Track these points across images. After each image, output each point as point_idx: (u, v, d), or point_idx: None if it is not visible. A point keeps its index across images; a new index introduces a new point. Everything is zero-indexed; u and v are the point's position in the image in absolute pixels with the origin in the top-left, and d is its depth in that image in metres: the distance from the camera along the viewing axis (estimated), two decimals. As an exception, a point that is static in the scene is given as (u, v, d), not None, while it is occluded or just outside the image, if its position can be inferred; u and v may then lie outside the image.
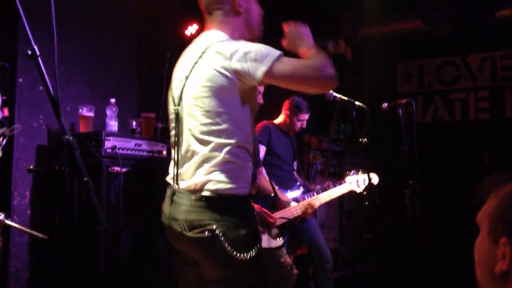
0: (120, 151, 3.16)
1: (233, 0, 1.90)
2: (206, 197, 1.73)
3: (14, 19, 3.11)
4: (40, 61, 1.22)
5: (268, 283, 1.84)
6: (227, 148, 1.75)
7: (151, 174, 3.25)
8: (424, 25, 5.09)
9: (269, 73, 1.71)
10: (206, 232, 1.70)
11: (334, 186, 3.43)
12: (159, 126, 3.58)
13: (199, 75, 1.77)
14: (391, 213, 5.00)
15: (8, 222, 2.32)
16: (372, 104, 3.60)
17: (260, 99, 3.12)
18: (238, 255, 1.70)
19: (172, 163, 1.90)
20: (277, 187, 3.29)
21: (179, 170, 1.83)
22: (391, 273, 5.21)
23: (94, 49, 3.71)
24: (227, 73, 1.73)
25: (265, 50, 1.75)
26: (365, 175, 3.37)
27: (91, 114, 3.34)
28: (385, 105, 3.70)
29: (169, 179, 1.90)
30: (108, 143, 3.12)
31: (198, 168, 1.76)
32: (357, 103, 3.27)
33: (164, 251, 3.30)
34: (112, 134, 3.21)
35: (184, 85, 1.82)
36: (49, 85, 1.24)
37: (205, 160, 1.75)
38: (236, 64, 1.72)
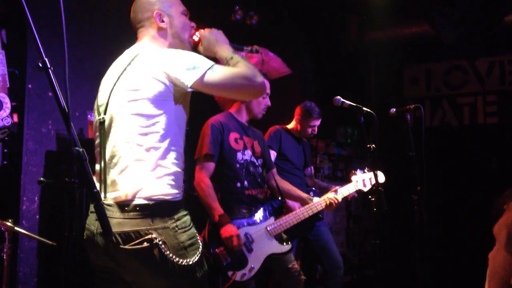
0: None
1: (151, 17, 1.92)
2: (140, 205, 1.65)
3: (23, 26, 3.14)
4: (51, 73, 1.23)
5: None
6: (157, 152, 1.70)
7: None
8: (432, 30, 5.07)
9: (199, 81, 1.73)
10: (145, 242, 1.62)
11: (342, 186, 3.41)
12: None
13: (129, 80, 1.76)
14: (399, 219, 4.98)
15: (17, 228, 2.34)
16: (378, 108, 3.59)
17: (267, 101, 3.11)
18: (181, 261, 1.65)
19: (96, 176, 1.80)
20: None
21: (106, 181, 1.73)
22: (398, 279, 5.19)
23: (103, 54, 3.73)
24: (159, 78, 1.72)
25: (198, 59, 1.77)
26: (371, 174, 3.34)
27: (99, 119, 3.35)
28: (393, 110, 3.69)
29: None
30: (116, 149, 3.13)
31: (127, 176, 1.69)
32: (364, 109, 3.27)
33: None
34: (120, 139, 3.22)
35: (110, 93, 1.79)
36: (59, 97, 1.24)
37: (134, 166, 1.69)
38: (167, 70, 1.72)
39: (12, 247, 2.38)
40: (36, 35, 1.23)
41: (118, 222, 1.65)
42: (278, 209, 2.98)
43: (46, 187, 3.22)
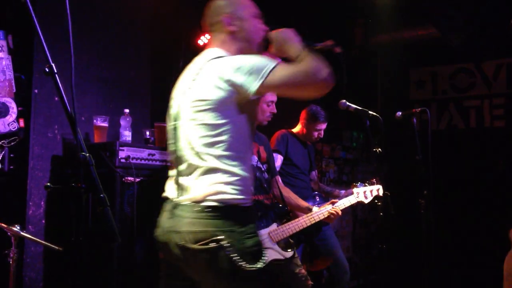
0: (134, 161, 3.17)
1: (221, 21, 1.91)
2: (211, 206, 1.71)
3: (30, 32, 3.15)
4: (58, 78, 1.23)
5: None
6: (227, 161, 1.75)
7: (164, 183, 3.25)
8: (438, 33, 5.05)
9: (261, 86, 1.72)
10: (213, 243, 1.67)
11: (343, 195, 3.44)
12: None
13: (197, 90, 1.79)
14: (405, 223, 4.95)
15: (23, 233, 2.34)
16: (384, 111, 3.58)
17: (273, 109, 3.12)
18: (245, 266, 1.67)
19: (171, 179, 1.90)
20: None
21: (180, 185, 1.82)
22: (404, 283, 5.15)
23: (108, 59, 3.74)
24: (224, 86, 1.73)
25: (260, 63, 1.74)
26: (373, 187, 3.38)
27: (105, 124, 3.36)
28: (399, 113, 3.68)
29: (168, 194, 1.90)
30: (122, 153, 3.13)
31: (200, 181, 1.75)
32: (370, 112, 3.26)
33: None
34: (126, 144, 3.23)
35: (182, 101, 1.85)
36: (66, 102, 1.24)
37: (206, 173, 1.75)
38: (231, 77, 1.73)
39: (18, 252, 2.37)
40: (43, 40, 1.23)
41: (189, 222, 1.72)
42: (281, 216, 2.98)
43: (52, 192, 3.22)
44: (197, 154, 1.76)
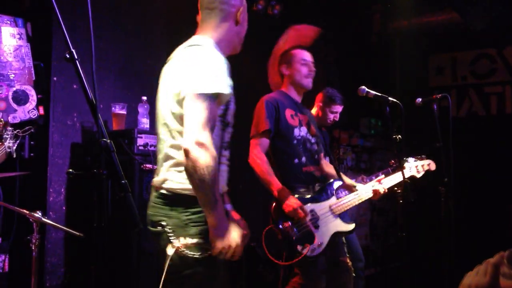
0: (152, 148, 3.18)
1: (237, 8, 1.92)
2: (162, 194, 1.79)
3: (48, 19, 3.16)
4: (78, 64, 1.23)
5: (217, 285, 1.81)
6: (181, 151, 1.72)
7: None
8: (460, 18, 4.94)
9: (190, 95, 1.68)
10: (159, 227, 1.78)
11: (385, 175, 3.28)
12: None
13: (168, 77, 1.84)
14: (425, 211, 4.90)
15: (45, 220, 2.37)
16: (403, 98, 3.52)
17: (311, 67, 3.02)
18: (185, 252, 1.73)
19: None
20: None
21: (156, 170, 1.91)
22: (422, 272, 5.12)
23: (126, 47, 3.75)
24: (183, 79, 1.74)
25: (214, 78, 1.69)
26: (424, 161, 3.24)
27: (123, 111, 3.37)
28: (419, 100, 3.61)
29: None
30: (140, 141, 3.14)
31: (162, 167, 1.83)
32: (390, 98, 3.20)
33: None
34: (144, 131, 3.24)
35: (162, 89, 1.89)
36: (87, 88, 1.24)
37: (165, 159, 1.81)
38: (187, 75, 1.72)
39: (40, 238, 2.41)
40: (63, 26, 1.23)
41: (150, 206, 1.86)
42: (339, 188, 2.94)
43: (72, 179, 3.26)
44: (163, 139, 1.82)
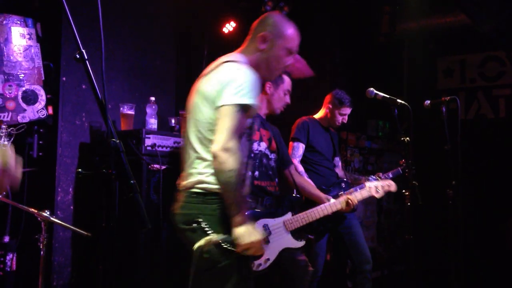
0: (160, 148, 3.19)
1: (259, 36, 2.07)
2: (196, 193, 1.90)
3: (58, 20, 3.18)
4: (88, 65, 1.23)
5: (250, 285, 1.93)
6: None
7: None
8: (468, 20, 4.91)
9: (223, 108, 1.83)
10: (194, 224, 1.87)
11: (356, 189, 3.43)
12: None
13: (205, 87, 1.96)
14: (433, 214, 4.87)
15: (53, 219, 2.38)
16: (411, 100, 3.51)
17: (287, 99, 3.13)
18: (224, 245, 1.83)
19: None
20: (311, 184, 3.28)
21: (185, 173, 2.01)
22: (429, 274, 5.09)
23: (134, 47, 3.76)
24: (218, 91, 1.88)
25: (241, 90, 1.84)
26: (384, 182, 3.38)
27: (131, 112, 3.39)
28: (427, 102, 3.59)
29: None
30: (148, 141, 3.15)
31: (192, 170, 1.94)
32: (398, 100, 3.19)
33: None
34: (152, 132, 3.25)
35: (195, 96, 2.01)
36: (96, 88, 1.24)
37: (198, 163, 1.93)
38: (222, 87, 1.88)
39: (48, 237, 2.42)
40: (74, 26, 1.23)
41: (181, 206, 1.96)
42: (295, 205, 2.97)
43: (80, 179, 3.27)
44: (194, 144, 1.95)
